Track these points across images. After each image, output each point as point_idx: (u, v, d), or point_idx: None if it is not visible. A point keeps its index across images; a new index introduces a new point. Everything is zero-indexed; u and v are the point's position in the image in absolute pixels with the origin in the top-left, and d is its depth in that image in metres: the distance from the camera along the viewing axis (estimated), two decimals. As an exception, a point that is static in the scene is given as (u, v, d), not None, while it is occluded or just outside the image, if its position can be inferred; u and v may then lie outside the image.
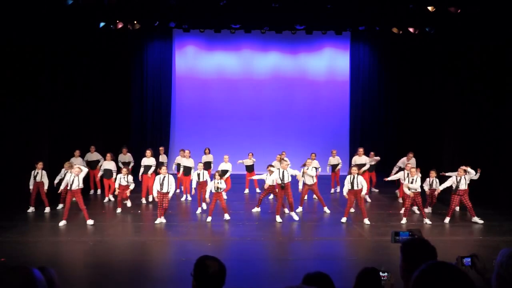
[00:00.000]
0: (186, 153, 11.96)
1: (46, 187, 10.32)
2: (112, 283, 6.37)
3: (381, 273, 2.96)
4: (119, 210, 10.49)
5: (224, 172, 11.21)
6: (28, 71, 10.82)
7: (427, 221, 9.65)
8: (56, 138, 11.78)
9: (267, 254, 7.79)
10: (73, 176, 9.23)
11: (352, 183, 9.64)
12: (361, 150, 12.54)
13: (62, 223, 9.19)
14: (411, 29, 14.05)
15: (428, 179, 10.60)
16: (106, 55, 14.00)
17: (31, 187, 10.26)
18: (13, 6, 10.08)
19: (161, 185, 9.43)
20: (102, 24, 13.11)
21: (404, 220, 9.70)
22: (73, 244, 8.06)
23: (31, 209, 10.31)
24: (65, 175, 10.02)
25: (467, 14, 11.72)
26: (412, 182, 9.71)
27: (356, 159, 12.38)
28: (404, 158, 11.97)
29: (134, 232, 8.98)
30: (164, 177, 9.48)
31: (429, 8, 11.97)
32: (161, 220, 9.55)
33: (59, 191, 10.27)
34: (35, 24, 10.72)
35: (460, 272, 1.90)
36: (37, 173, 10.22)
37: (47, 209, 10.38)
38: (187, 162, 11.92)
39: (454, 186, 9.71)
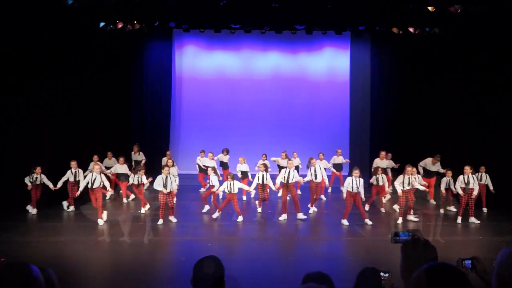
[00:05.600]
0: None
1: (51, 186, 10.35)
2: (111, 284, 6.38)
3: (381, 273, 2.96)
4: (144, 209, 10.55)
5: (243, 173, 11.78)
6: (27, 71, 10.77)
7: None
8: (56, 138, 11.76)
9: (267, 254, 7.79)
10: (95, 175, 9.30)
11: (353, 186, 9.61)
12: (383, 153, 12.40)
13: (100, 221, 9.35)
14: (411, 29, 13.99)
15: (445, 178, 10.60)
16: (106, 55, 13.89)
17: (28, 184, 10.19)
18: (12, 7, 10.02)
19: (165, 186, 9.44)
20: (101, 24, 13.06)
21: (400, 220, 9.70)
22: (73, 245, 8.06)
23: (34, 211, 10.28)
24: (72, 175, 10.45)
25: (470, 14, 11.63)
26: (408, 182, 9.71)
27: (378, 162, 12.25)
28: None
29: (135, 232, 8.96)
30: (167, 177, 9.50)
31: (429, 8, 11.93)
32: (171, 219, 9.64)
33: (76, 195, 10.24)
34: (34, 24, 10.65)
35: (460, 273, 1.91)
36: (36, 177, 10.22)
37: (34, 211, 10.29)
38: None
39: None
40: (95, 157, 11.75)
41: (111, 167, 12.04)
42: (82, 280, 6.43)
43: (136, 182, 10.71)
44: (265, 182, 10.19)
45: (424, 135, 14.07)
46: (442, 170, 11.45)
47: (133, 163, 12.57)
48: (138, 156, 12.91)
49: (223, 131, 15.77)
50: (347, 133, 16.13)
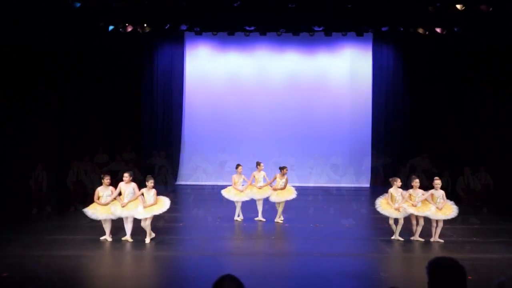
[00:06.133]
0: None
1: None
2: (111, 283, 6.30)
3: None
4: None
5: None
6: (43, 74, 11.13)
7: None
8: (65, 142, 11.91)
9: (266, 254, 7.72)
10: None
11: None
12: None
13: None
14: (438, 30, 13.24)
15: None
16: (116, 58, 13.78)
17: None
18: (17, 8, 10.05)
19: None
20: (111, 27, 12.96)
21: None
22: (73, 243, 8.01)
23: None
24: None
25: (499, 13, 11.10)
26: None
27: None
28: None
29: (135, 232, 8.44)
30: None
31: (458, 6, 11.29)
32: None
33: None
34: (44, 27, 10.75)
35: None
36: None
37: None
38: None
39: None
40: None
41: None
42: (81, 280, 6.31)
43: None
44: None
45: (448, 141, 13.39)
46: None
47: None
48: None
49: (235, 136, 15.06)
50: (369, 140, 15.20)
